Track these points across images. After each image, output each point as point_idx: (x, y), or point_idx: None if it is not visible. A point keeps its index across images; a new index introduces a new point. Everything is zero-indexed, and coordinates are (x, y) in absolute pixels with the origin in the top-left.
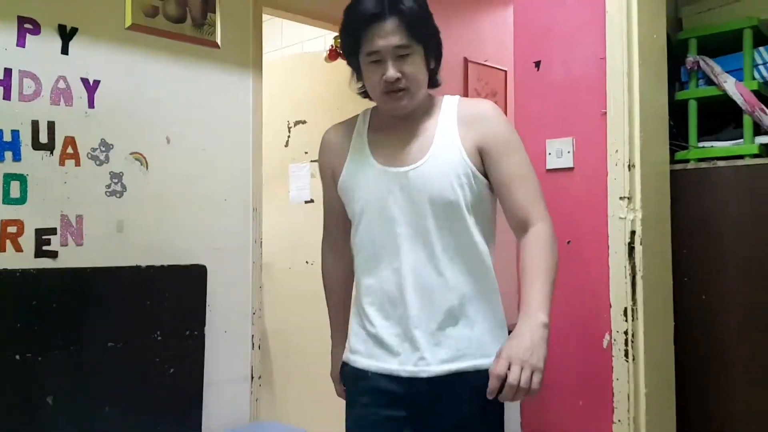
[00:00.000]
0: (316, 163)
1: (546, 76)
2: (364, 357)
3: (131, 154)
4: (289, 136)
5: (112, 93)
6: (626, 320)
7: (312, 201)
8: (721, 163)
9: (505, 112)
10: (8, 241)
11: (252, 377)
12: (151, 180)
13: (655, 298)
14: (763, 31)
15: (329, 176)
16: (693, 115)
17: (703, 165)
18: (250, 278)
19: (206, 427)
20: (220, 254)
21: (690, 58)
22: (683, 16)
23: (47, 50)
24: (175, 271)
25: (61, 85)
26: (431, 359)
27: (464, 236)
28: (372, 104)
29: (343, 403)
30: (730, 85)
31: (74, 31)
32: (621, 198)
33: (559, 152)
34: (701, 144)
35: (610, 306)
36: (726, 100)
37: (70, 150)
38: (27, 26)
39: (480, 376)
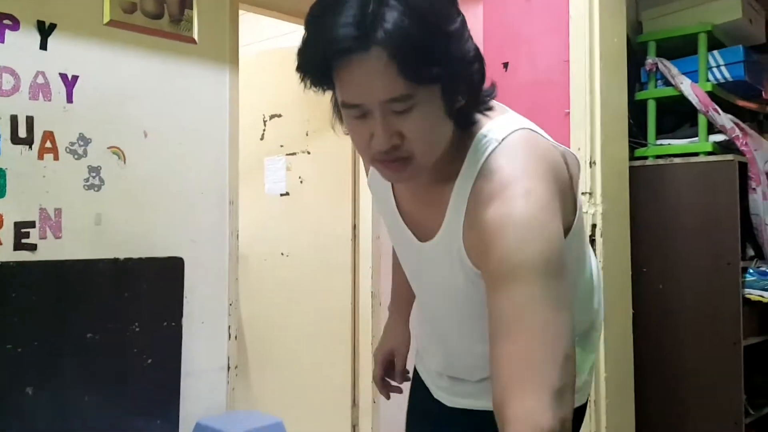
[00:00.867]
0: (292, 156)
1: (513, 76)
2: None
3: (109, 148)
4: (264, 130)
5: (90, 88)
6: None
7: (287, 194)
8: (677, 160)
9: None
10: None
11: (228, 367)
12: (129, 174)
13: (615, 288)
14: (717, 36)
15: (380, 206)
16: (651, 114)
17: (661, 162)
18: (226, 270)
19: (183, 417)
20: (197, 246)
21: (649, 60)
22: (643, 20)
23: (26, 46)
24: (153, 263)
25: (40, 80)
26: None
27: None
28: None
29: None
30: (686, 87)
31: (53, 27)
32: (583, 193)
33: None
34: (659, 142)
35: None
36: (682, 100)
37: (48, 144)
38: (6, 22)
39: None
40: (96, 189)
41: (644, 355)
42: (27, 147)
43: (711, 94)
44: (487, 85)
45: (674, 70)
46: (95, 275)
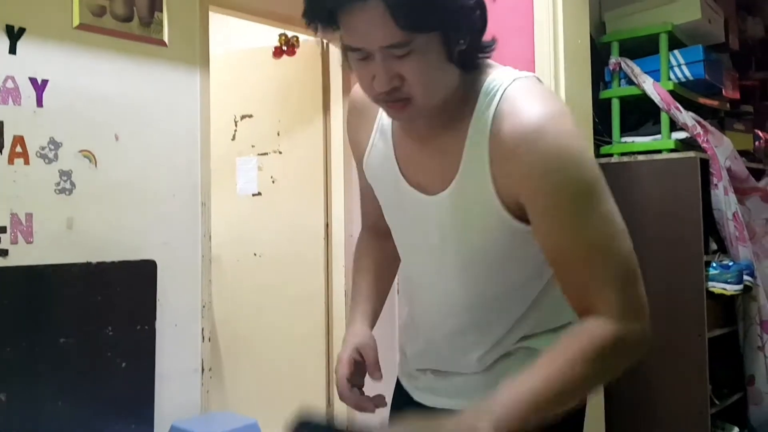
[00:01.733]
0: (263, 156)
1: None
2: None
3: (80, 151)
4: (235, 130)
5: (60, 92)
6: None
7: (259, 194)
8: (641, 157)
9: None
10: None
11: (202, 369)
12: (100, 177)
13: None
14: (677, 36)
15: (354, 149)
16: (616, 112)
17: (626, 159)
18: (199, 272)
19: (158, 419)
20: (169, 249)
21: (612, 60)
22: (606, 21)
23: None
24: (125, 267)
25: (10, 84)
26: None
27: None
28: None
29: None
30: (648, 85)
31: (22, 31)
32: None
33: None
34: (623, 139)
35: None
36: (645, 98)
37: (19, 149)
38: None
39: None
40: (67, 193)
41: None
42: None
43: (673, 93)
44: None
45: (637, 70)
46: (67, 279)
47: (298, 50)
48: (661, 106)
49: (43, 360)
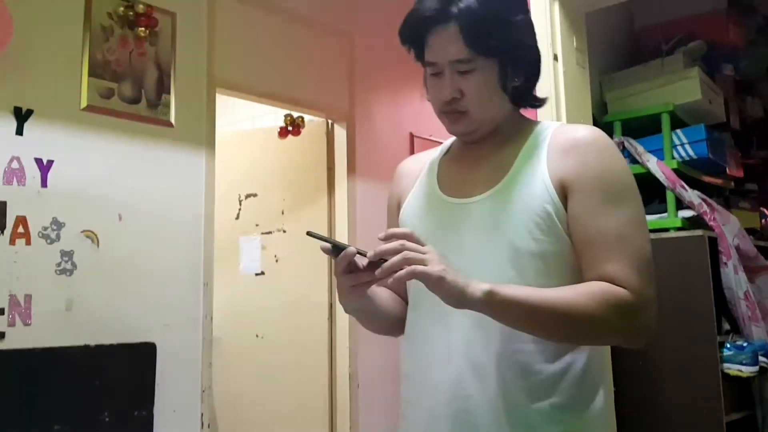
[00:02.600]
0: (267, 235)
1: None
2: None
3: (82, 232)
4: (240, 209)
5: (65, 172)
6: None
7: (262, 273)
8: None
9: None
10: None
11: None
12: (102, 257)
13: None
14: (679, 115)
15: (395, 209)
16: None
17: None
18: (199, 355)
19: None
20: (169, 331)
21: (615, 139)
22: (608, 101)
23: (1, 132)
24: (124, 350)
25: (15, 165)
26: None
27: None
28: None
29: None
30: (652, 164)
31: (29, 112)
32: None
33: None
34: None
35: None
36: (650, 177)
37: (21, 229)
38: None
39: None
40: (68, 274)
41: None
42: None
43: (677, 171)
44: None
45: (640, 149)
46: (65, 363)
47: (303, 130)
48: (666, 185)
49: None
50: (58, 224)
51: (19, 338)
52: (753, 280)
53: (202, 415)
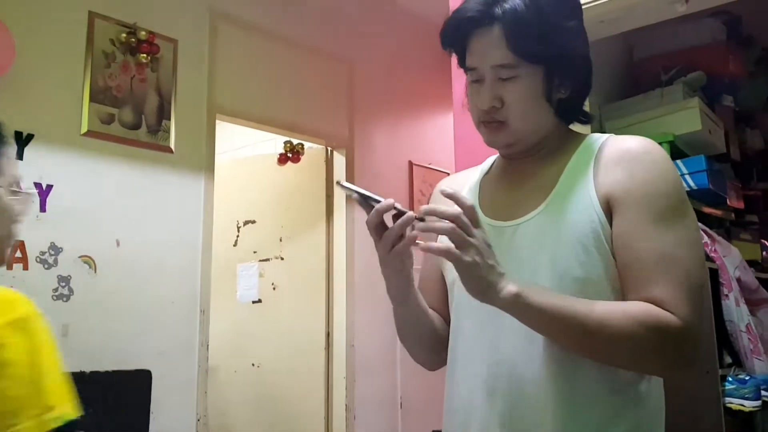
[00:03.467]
0: (265, 263)
1: None
2: None
3: (80, 257)
4: (238, 236)
5: (64, 197)
6: None
7: (259, 301)
8: None
9: None
10: None
11: None
12: (99, 283)
13: None
14: (679, 146)
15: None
16: None
17: None
18: (195, 383)
19: None
20: (165, 358)
21: None
22: (608, 131)
23: None
24: (120, 377)
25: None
26: None
27: None
28: None
29: None
30: None
31: (30, 137)
32: None
33: None
34: None
35: None
36: None
37: (18, 254)
38: None
39: None
40: (65, 299)
41: None
42: None
43: None
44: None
45: None
46: None
47: (302, 157)
48: None
49: None
50: (55, 249)
51: None
52: (754, 313)
53: None
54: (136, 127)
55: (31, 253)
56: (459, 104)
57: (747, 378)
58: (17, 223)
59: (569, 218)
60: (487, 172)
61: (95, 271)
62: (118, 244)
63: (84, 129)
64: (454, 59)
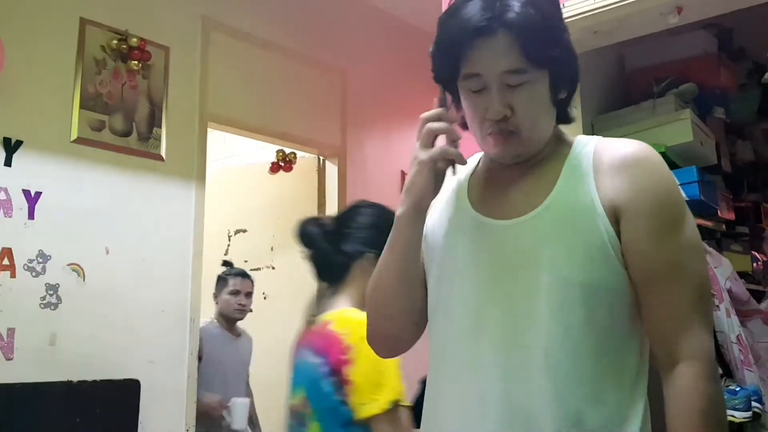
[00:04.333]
0: (256, 272)
1: None
2: None
3: (69, 265)
4: (229, 245)
5: (53, 204)
6: None
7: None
8: None
9: None
10: None
11: None
12: (88, 291)
13: None
14: (670, 157)
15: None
16: None
17: None
18: (184, 393)
19: None
20: (154, 368)
21: None
22: None
23: None
24: (108, 386)
25: (2, 196)
26: None
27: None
28: None
29: None
30: None
31: (19, 143)
32: None
33: None
34: None
35: None
36: None
37: (6, 261)
38: None
39: None
40: (52, 308)
41: None
42: None
43: None
44: None
45: None
46: (46, 399)
47: (294, 166)
48: None
49: None
50: (44, 257)
51: (1, 373)
52: (745, 324)
53: None
54: (126, 134)
55: (19, 260)
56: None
57: (738, 389)
58: None
59: (571, 222)
60: (474, 171)
61: (84, 279)
62: (107, 252)
63: (74, 136)
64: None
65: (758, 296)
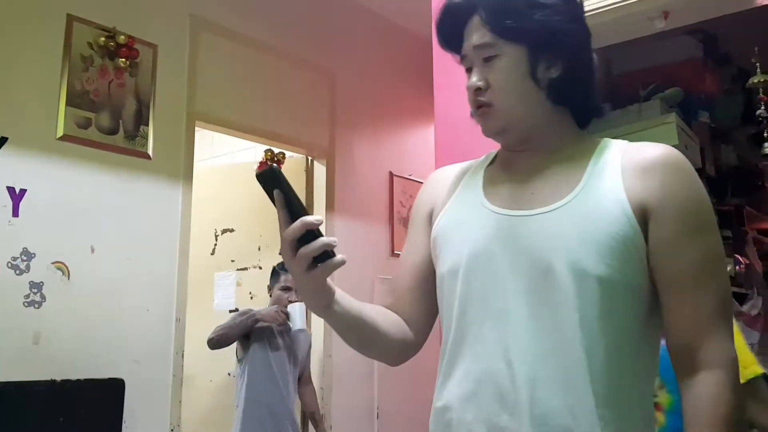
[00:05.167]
0: (243, 272)
1: None
2: None
3: (53, 263)
4: (215, 244)
5: (38, 201)
6: None
7: (237, 310)
8: None
9: None
10: None
11: None
12: (72, 290)
13: None
14: None
15: (424, 218)
16: None
17: None
18: (169, 392)
19: None
20: (139, 367)
21: None
22: None
23: None
24: (92, 385)
25: None
26: None
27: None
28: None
29: None
30: None
31: (4, 140)
32: None
33: None
34: None
35: None
36: None
37: None
38: None
39: None
40: (36, 306)
41: None
42: None
43: None
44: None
45: None
46: (30, 398)
47: (283, 166)
48: None
49: None
50: (28, 255)
51: None
52: None
53: None
54: (113, 132)
55: (3, 258)
56: (440, 115)
57: None
58: None
59: (595, 217)
60: (491, 163)
61: (68, 278)
62: (92, 250)
63: (60, 133)
64: (436, 70)
65: (740, 299)
